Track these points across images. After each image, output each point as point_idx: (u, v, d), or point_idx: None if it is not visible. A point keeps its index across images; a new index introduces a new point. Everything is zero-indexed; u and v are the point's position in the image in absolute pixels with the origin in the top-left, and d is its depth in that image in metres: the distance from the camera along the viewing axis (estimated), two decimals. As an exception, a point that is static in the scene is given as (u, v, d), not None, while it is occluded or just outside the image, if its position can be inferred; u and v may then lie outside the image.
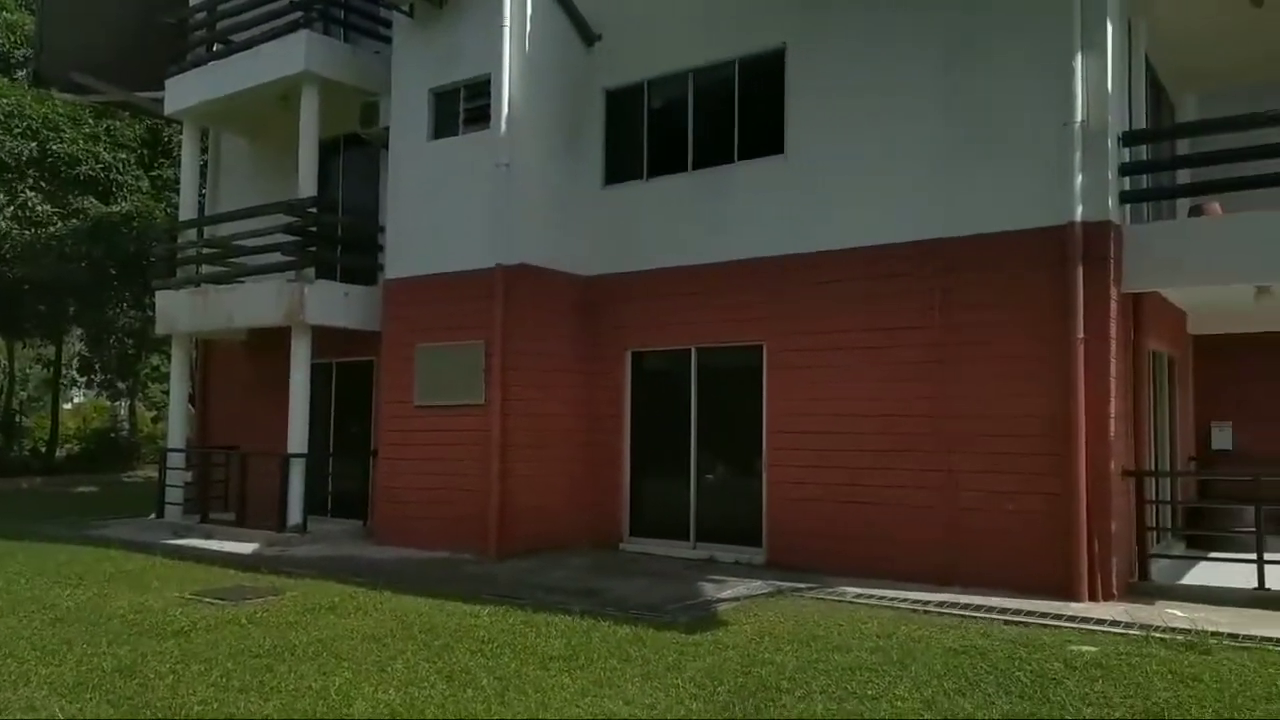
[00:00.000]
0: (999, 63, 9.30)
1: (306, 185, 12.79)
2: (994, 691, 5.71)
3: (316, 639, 6.95)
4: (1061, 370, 8.71)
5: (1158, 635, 7.08)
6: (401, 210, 12.31)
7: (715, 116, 11.32)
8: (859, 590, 8.86)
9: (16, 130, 20.53)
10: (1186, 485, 11.57)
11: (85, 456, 26.08)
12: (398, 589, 8.88)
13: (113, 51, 15.59)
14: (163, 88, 14.55)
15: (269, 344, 13.84)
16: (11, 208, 20.53)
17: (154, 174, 23.28)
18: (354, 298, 12.89)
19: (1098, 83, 8.84)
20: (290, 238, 12.70)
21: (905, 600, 8.44)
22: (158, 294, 14.50)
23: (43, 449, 25.84)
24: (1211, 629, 7.11)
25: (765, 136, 10.85)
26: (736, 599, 8.56)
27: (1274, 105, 9.02)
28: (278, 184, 14.24)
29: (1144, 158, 9.72)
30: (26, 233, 20.44)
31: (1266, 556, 8.28)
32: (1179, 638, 6.94)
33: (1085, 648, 6.75)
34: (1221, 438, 12.81)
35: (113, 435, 28.56)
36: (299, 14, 12.79)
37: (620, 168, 12.09)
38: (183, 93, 14.17)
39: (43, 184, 21.26)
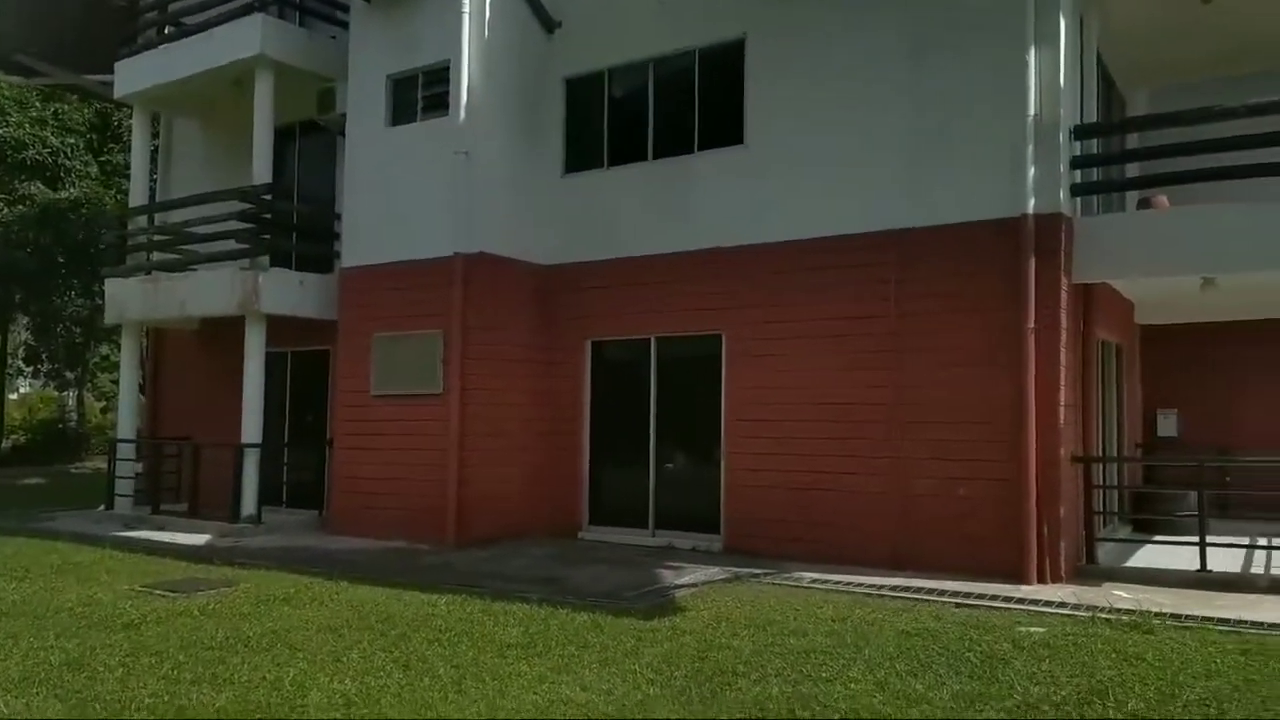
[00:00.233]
0: (955, 56, 9.41)
1: (261, 172, 12.60)
2: (945, 672, 5.82)
3: (270, 630, 6.89)
4: (1013, 359, 8.87)
5: (1103, 616, 7.25)
6: (358, 198, 12.17)
7: (676, 106, 11.33)
8: (815, 575, 8.97)
9: (-41, 113, 19.99)
10: (1133, 471, 11.85)
11: (32, 448, 25.47)
12: (354, 579, 8.82)
13: (61, 33, 15.18)
14: (112, 70, 14.22)
15: (222, 333, 13.64)
16: (-46, 193, 20.01)
17: (103, 159, 22.79)
18: (309, 286, 12.74)
19: (1050, 77, 8.99)
20: (244, 225, 12.51)
21: (860, 585, 8.55)
22: (107, 282, 14.20)
23: (-13, 441, 25.24)
24: (1155, 610, 7.30)
25: (726, 126, 10.89)
26: (694, 585, 8.62)
27: (1221, 101, 9.21)
28: (231, 170, 13.99)
29: (1095, 151, 9.90)
30: (-30, 219, 19.94)
31: (1208, 539, 8.52)
32: (1124, 618, 7.12)
33: (1034, 629, 6.91)
34: (1167, 425, 13.14)
35: (61, 426, 27.93)
36: (254, -3, 12.58)
37: (581, 156, 12.06)
38: (133, 76, 13.87)
39: (-13, 169, 20.74)
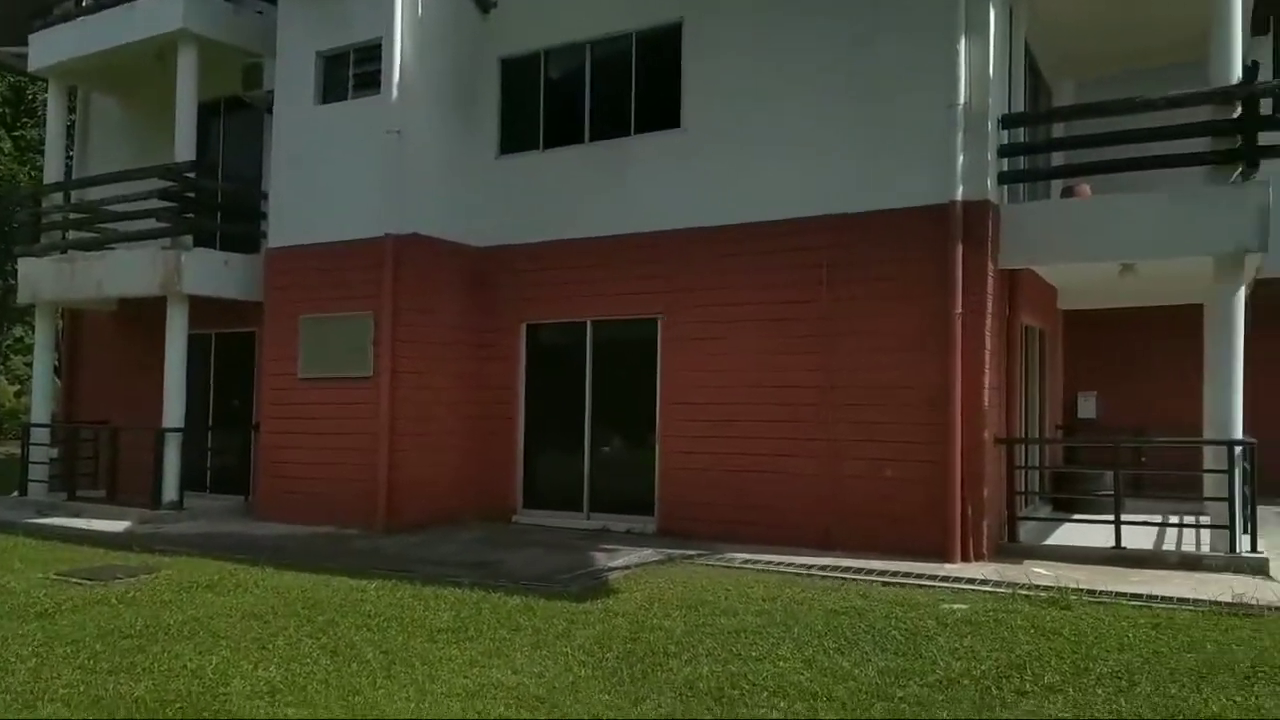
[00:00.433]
0: (889, 44, 9.52)
1: (184, 149, 12.22)
2: (870, 649, 5.93)
3: (192, 618, 6.72)
4: (941, 343, 9.04)
5: (1023, 593, 7.46)
6: (286, 176, 11.88)
7: (613, 88, 11.27)
8: (747, 556, 9.07)
9: None
10: (1054, 452, 12.21)
11: (-59, 433, 24.49)
12: (280, 565, 8.65)
13: (-32, 1, 14.51)
14: (26, 42, 13.63)
15: (143, 314, 13.24)
16: None
17: (17, 134, 21.91)
18: (235, 266, 12.41)
19: (980, 66, 9.14)
20: (166, 203, 12.12)
21: (790, 565, 8.67)
22: (20, 261, 13.69)
23: (-107, 426, 24.13)
24: (1072, 586, 7.53)
25: (663, 110, 10.86)
26: (627, 567, 8.64)
27: (1142, 93, 9.47)
28: (153, 147, 13.53)
29: (1022, 140, 10.11)
30: None
31: (1123, 518, 8.81)
32: (1042, 594, 7.34)
33: (957, 606, 7.08)
34: (1087, 407, 13.58)
35: (-28, 411, 26.87)
36: (175, -32, 12.14)
37: (516, 137, 11.92)
38: (49, 48, 13.33)
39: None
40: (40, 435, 13.25)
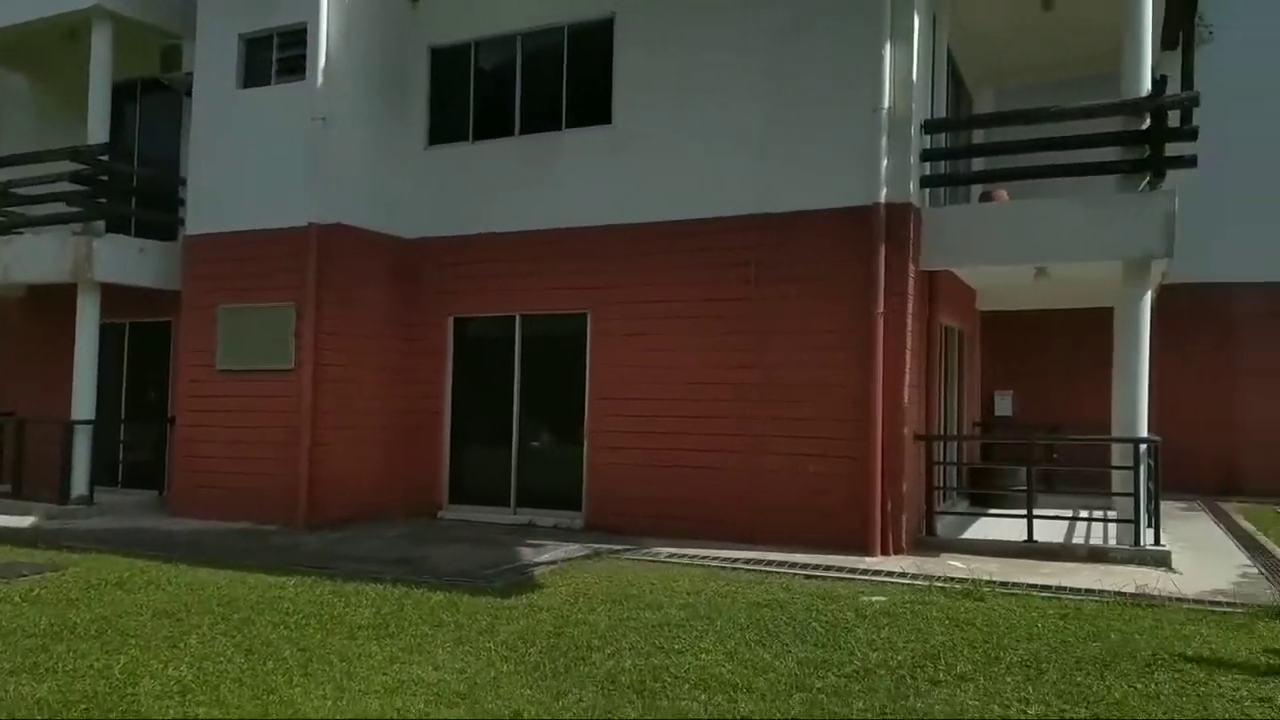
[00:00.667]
0: (817, 48, 9.66)
1: (97, 131, 11.80)
2: (791, 640, 6.03)
3: (100, 616, 6.50)
4: (863, 342, 9.22)
5: (939, 585, 7.67)
6: (206, 162, 11.54)
7: (544, 82, 11.21)
8: (672, 550, 9.13)
9: None
10: (971, 448, 12.56)
11: None
12: (195, 562, 8.42)
13: None
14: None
15: (52, 302, 12.73)
16: None
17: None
18: (150, 254, 12.03)
19: (904, 72, 9.34)
20: (77, 187, 11.67)
21: (716, 559, 8.75)
22: (-82, 244, 12.99)
23: None
24: (986, 578, 7.78)
25: (594, 105, 10.85)
26: (554, 562, 8.63)
27: (1061, 102, 9.78)
28: (65, 129, 13.06)
29: (943, 145, 10.36)
30: None
31: (1035, 512, 9.12)
32: (957, 586, 7.55)
33: (876, 598, 7.24)
34: (1003, 405, 14.01)
35: None
36: (88, -59, 11.70)
37: (445, 128, 11.78)
38: (-51, 23, 12.70)
39: None
40: (-61, 427, 12.65)
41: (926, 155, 9.71)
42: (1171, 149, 8.92)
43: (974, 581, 7.66)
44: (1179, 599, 7.23)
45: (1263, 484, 13.81)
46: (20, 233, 12.33)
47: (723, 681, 5.21)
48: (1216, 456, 14.09)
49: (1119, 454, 9.05)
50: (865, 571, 8.26)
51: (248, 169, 11.19)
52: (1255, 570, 8.43)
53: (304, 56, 10.87)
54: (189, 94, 11.90)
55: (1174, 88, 10.17)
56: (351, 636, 6.08)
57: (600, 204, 10.65)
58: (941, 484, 10.45)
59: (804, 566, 8.42)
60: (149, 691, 4.99)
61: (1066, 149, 9.33)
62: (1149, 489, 8.78)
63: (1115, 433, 9.04)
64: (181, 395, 11.61)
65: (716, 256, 10.02)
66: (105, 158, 11.83)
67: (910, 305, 9.27)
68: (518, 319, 11.20)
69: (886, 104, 9.27)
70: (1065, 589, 7.54)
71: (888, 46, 9.27)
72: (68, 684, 5.09)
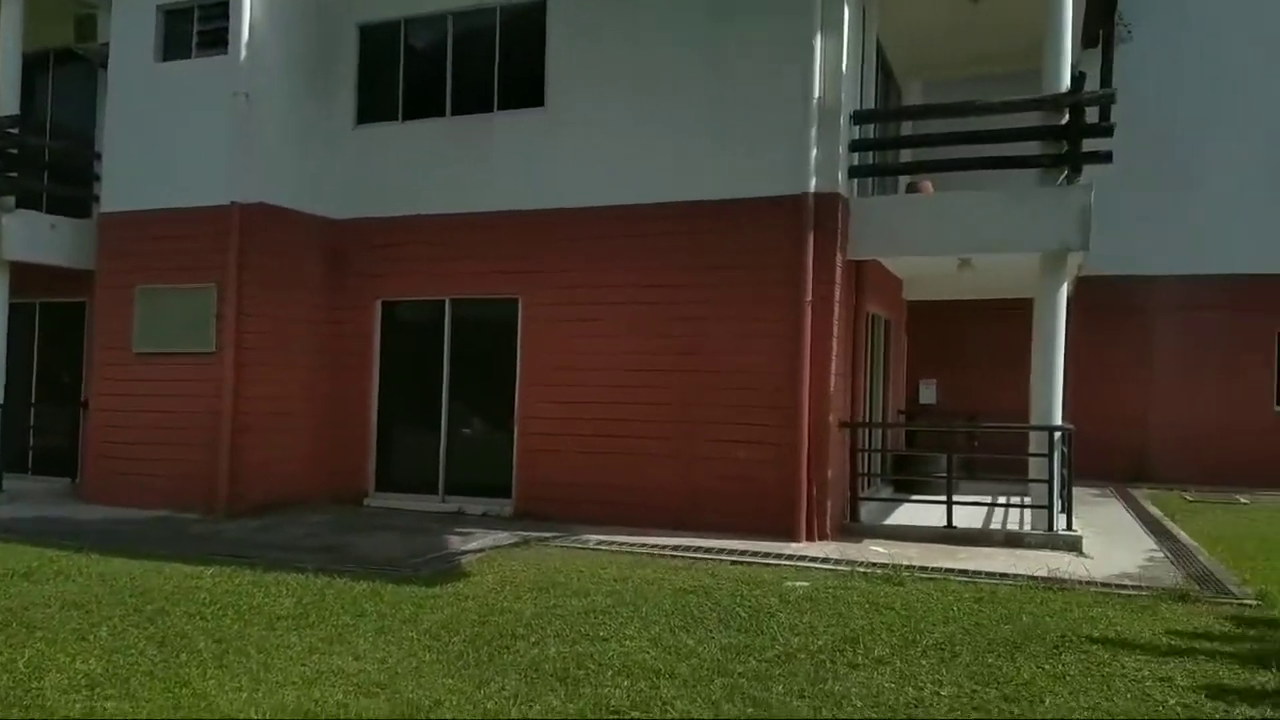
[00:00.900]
0: (750, 37, 9.68)
1: (7, 102, 11.31)
2: (715, 626, 6.10)
3: (5, 608, 6.26)
4: (791, 330, 9.32)
5: (861, 570, 7.83)
6: (123, 137, 11.14)
7: (476, 63, 11.04)
8: (602, 537, 9.15)
9: None
10: (896, 435, 12.82)
11: None
12: (107, 551, 8.16)
13: None
14: None
15: (-44, 280, 12.15)
16: None
17: None
18: (63, 231, 11.57)
19: (834, 62, 9.42)
20: (-15, 160, 11.18)
21: (644, 545, 8.80)
22: None
23: None
24: (905, 563, 7.97)
25: (526, 88, 10.73)
26: (481, 550, 8.58)
27: (988, 96, 9.98)
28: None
29: (871, 136, 10.50)
30: None
31: (955, 499, 9.36)
32: (878, 572, 7.72)
33: (799, 583, 7.36)
34: (927, 393, 14.32)
35: None
36: (-6, -98, 11.16)
37: (375, 107, 11.54)
38: None
39: None
40: None
41: (855, 146, 9.83)
42: (1089, 145, 9.17)
43: (894, 566, 7.84)
44: (1088, 582, 7.50)
45: (1171, 471, 14.39)
46: (-79, 207, 11.76)
47: (646, 668, 5.24)
48: (1128, 444, 14.63)
49: (1035, 442, 9.32)
50: (790, 557, 8.38)
51: (167, 145, 10.83)
52: (1161, 554, 8.78)
53: (226, 29, 10.54)
54: (105, 66, 11.45)
55: (1093, 85, 10.45)
56: (270, 627, 5.97)
57: (532, 188, 10.56)
58: (866, 471, 10.65)
59: (731, 553, 8.51)
60: (55, 685, 4.84)
61: (990, 142, 9.54)
62: (1062, 476, 9.07)
63: (1032, 421, 9.31)
64: (96, 379, 11.22)
65: (648, 243, 10.03)
66: (15, 130, 11.33)
67: (837, 294, 9.40)
68: (448, 303, 11.06)
69: (817, 94, 9.35)
70: (981, 573, 7.76)
71: (818, 37, 9.35)
72: (-33, 679, 4.90)
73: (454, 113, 11.13)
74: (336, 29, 11.51)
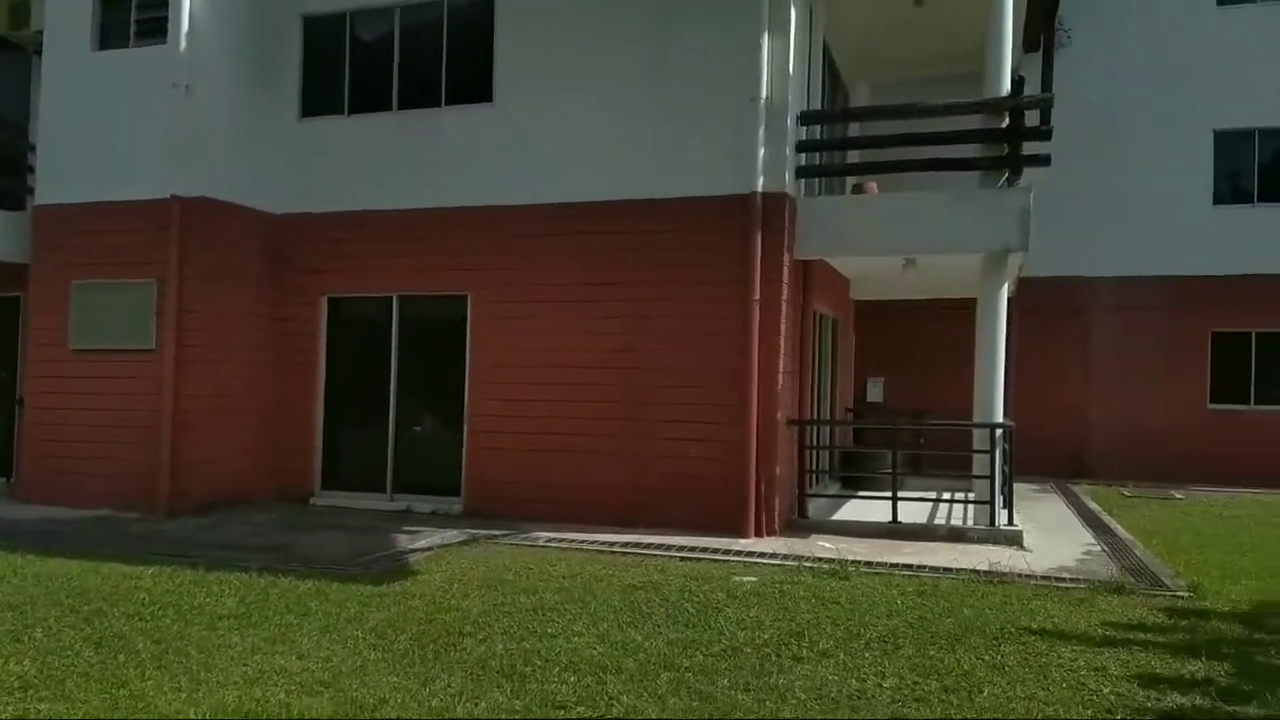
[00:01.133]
0: (697, 35, 9.72)
1: (-66, 89, 10.94)
2: (663, 622, 6.13)
3: (-67, 611, 6.08)
4: (739, 328, 9.39)
5: (808, 565, 7.92)
6: (58, 127, 10.83)
7: (423, 57, 10.94)
8: (552, 535, 9.13)
9: None
10: (844, 433, 12.98)
11: None
12: (44, 552, 7.94)
13: None
14: None
15: (-118, 274, 11.76)
16: None
17: None
18: (-5, 224, 11.24)
19: (781, 63, 9.50)
20: (-89, 149, 10.82)
21: (594, 542, 8.81)
22: None
23: None
24: (852, 558, 8.08)
25: (474, 83, 10.66)
26: (429, 549, 8.51)
27: (933, 98, 10.14)
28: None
29: (818, 137, 10.62)
30: None
31: (901, 495, 9.52)
32: (825, 566, 7.82)
33: (747, 578, 7.42)
34: (875, 391, 14.53)
35: None
36: (-78, -118, 10.81)
37: (320, 100, 11.37)
38: None
39: None
40: None
41: (802, 146, 9.92)
42: (1029, 148, 9.36)
43: (841, 561, 7.94)
44: (1028, 576, 7.67)
45: (1110, 467, 14.79)
46: None
47: (593, 663, 5.25)
48: (1069, 441, 15.00)
49: (977, 439, 9.50)
50: (739, 553, 8.45)
51: (105, 136, 10.58)
52: (1098, 548, 9.01)
53: (165, 19, 10.30)
54: (39, 54, 11.14)
55: (1034, 89, 10.67)
56: (212, 627, 5.87)
57: (480, 184, 10.50)
58: (814, 468, 10.78)
59: (680, 549, 8.55)
60: (-16, 690, 4.71)
61: (934, 144, 9.71)
62: (1003, 472, 9.26)
63: (976, 418, 9.49)
64: (31, 376, 10.91)
65: (598, 240, 10.03)
66: (-57, 119, 11.00)
67: (785, 293, 9.49)
68: (395, 300, 10.96)
69: (764, 94, 9.42)
70: (925, 568, 7.90)
71: (765, 38, 9.42)
72: (-109, 685, 4.75)
73: (401, 107, 11.01)
74: (280, 20, 11.32)
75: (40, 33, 11.07)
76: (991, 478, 9.17)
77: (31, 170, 11.30)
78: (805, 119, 9.96)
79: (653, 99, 9.85)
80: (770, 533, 9.29)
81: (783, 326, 9.44)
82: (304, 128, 11.34)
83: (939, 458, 12.38)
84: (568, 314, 10.12)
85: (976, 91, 10.00)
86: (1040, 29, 12.09)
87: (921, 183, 10.25)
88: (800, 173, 9.89)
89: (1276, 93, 14.69)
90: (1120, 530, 10.03)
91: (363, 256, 10.97)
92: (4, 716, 4.39)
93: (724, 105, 9.53)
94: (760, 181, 9.38)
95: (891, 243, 9.84)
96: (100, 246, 10.50)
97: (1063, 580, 7.55)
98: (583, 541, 8.87)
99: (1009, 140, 9.34)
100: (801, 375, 10.28)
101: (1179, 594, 7.18)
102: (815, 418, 11.31)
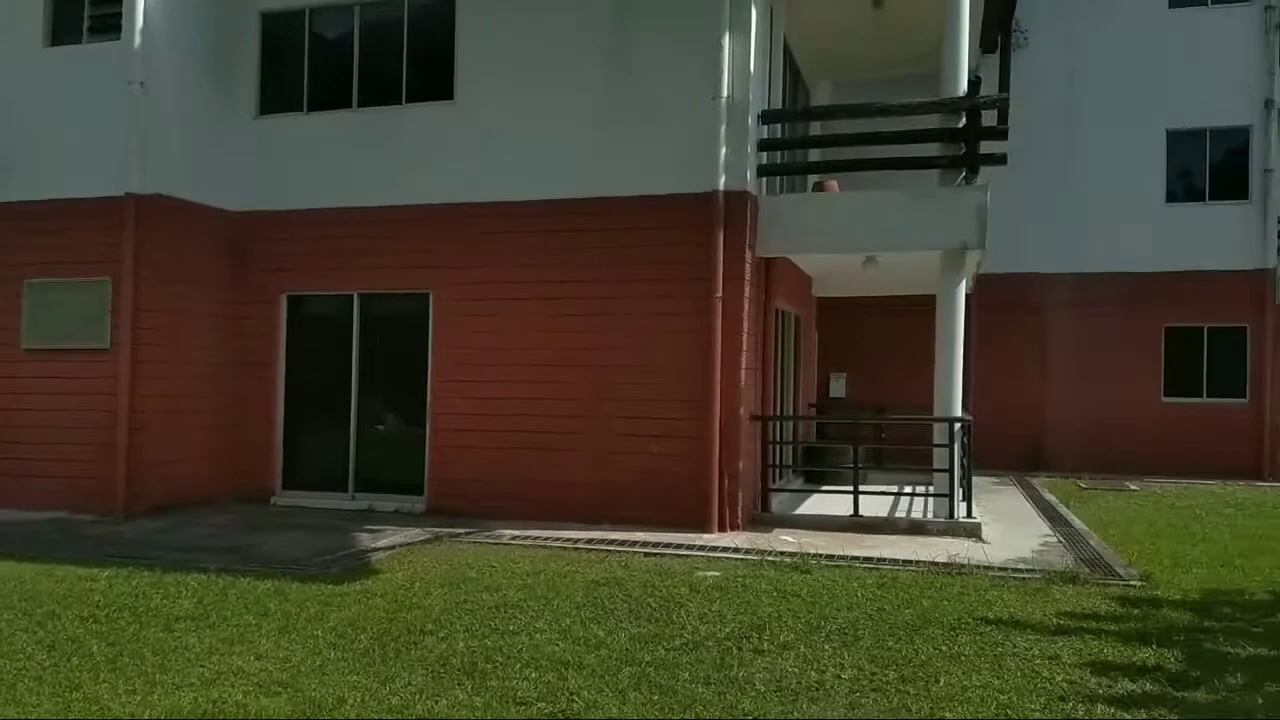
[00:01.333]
0: (657, 34, 9.75)
1: (-120, 85, 10.67)
2: (625, 617, 6.15)
3: (-121, 617, 5.95)
4: (702, 325, 9.43)
5: (771, 559, 7.98)
6: (10, 124, 10.63)
7: (383, 55, 10.86)
8: (516, 532, 9.12)
9: None
10: (807, 428, 13.08)
11: None
12: (-5, 555, 7.82)
13: None
14: None
15: None
16: None
17: None
18: (-57, 222, 10.98)
19: (742, 62, 9.55)
20: None
21: (558, 539, 8.81)
22: None
23: None
24: (813, 551, 8.16)
25: (435, 81, 10.60)
26: (392, 547, 8.47)
27: (893, 98, 10.25)
28: None
29: (780, 135, 10.69)
30: None
31: (862, 488, 9.61)
32: (787, 560, 7.88)
33: (710, 573, 7.47)
34: (837, 387, 14.66)
35: None
36: None
37: (278, 98, 11.25)
38: None
39: None
40: None
41: (763, 145, 9.99)
42: (986, 147, 9.50)
43: (803, 555, 8.02)
44: (986, 567, 7.79)
45: (1067, 460, 15.06)
46: None
47: (554, 659, 5.26)
48: (1027, 435, 15.25)
49: (937, 433, 9.62)
50: (702, 548, 8.49)
51: (57, 134, 10.39)
52: (1055, 539, 9.17)
53: (119, 14, 10.13)
54: (-11, 49, 10.91)
55: (991, 89, 10.84)
56: (168, 629, 5.80)
57: (442, 181, 10.44)
58: (777, 462, 10.85)
59: (644, 545, 8.58)
60: (-68, 696, 4.62)
61: (893, 143, 9.82)
62: (962, 465, 9.40)
63: (936, 413, 9.61)
64: (-19, 377, 10.71)
65: (560, 238, 10.02)
66: (-112, 115, 10.72)
67: (747, 290, 9.55)
68: (356, 298, 10.87)
69: (725, 93, 9.46)
70: (885, 560, 7.99)
71: (726, 36, 9.46)
72: None
73: (361, 104, 10.93)
74: (238, 16, 11.18)
75: (-11, 27, 10.84)
76: (951, 471, 9.30)
77: (-19, 167, 11.06)
78: (766, 118, 10.02)
79: (614, 97, 9.87)
80: (734, 527, 9.35)
81: (745, 323, 9.50)
82: (262, 125, 11.22)
83: (900, 452, 12.52)
84: (530, 312, 10.11)
85: (936, 92, 10.13)
86: (997, 30, 12.26)
87: (881, 181, 10.37)
88: (762, 171, 9.95)
89: (1227, 93, 15.03)
90: (1076, 521, 10.21)
91: (323, 255, 10.88)
92: (-48, 722, 4.32)
93: (685, 104, 9.56)
94: (722, 180, 9.42)
95: (852, 240, 9.94)
96: (53, 245, 10.32)
97: (1019, 571, 7.68)
98: (547, 539, 8.87)
99: (966, 139, 9.47)
100: (764, 371, 10.34)
101: (1131, 583, 7.33)
102: (778, 413, 11.39)
